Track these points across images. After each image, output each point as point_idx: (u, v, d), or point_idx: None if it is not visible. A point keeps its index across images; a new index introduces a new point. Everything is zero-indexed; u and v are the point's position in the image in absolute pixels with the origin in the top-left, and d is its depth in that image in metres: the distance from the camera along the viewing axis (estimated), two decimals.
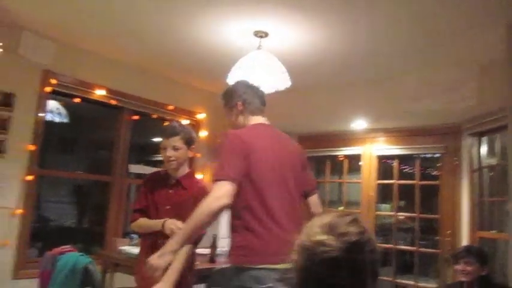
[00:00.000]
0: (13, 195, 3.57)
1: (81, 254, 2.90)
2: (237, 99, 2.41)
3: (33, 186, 3.73)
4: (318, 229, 0.99)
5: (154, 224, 2.41)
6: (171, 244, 1.91)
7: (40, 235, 4.73)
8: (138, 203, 2.54)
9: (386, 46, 3.48)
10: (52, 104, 4.33)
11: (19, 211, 3.60)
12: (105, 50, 4.12)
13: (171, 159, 2.43)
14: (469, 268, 2.74)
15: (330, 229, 0.98)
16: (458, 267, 2.77)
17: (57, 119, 4.68)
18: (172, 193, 2.50)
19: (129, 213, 2.51)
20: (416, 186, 4.53)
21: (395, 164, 4.75)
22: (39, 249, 4.33)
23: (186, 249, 2.16)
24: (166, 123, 4.20)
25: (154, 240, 2.38)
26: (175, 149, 2.44)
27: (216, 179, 1.91)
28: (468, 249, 2.89)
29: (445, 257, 4.08)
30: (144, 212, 2.51)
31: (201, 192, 2.27)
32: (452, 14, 2.86)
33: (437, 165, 4.56)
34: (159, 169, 2.82)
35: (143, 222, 2.48)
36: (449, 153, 4.35)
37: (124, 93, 4.37)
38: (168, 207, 2.46)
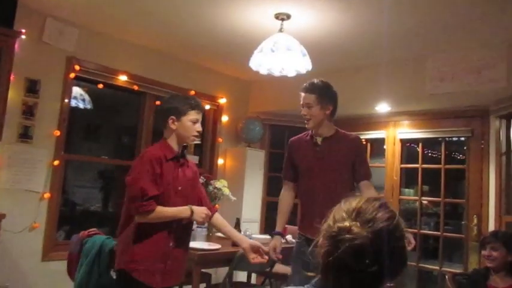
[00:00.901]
0: (41, 179, 3.66)
1: (107, 237, 2.96)
2: (332, 103, 2.70)
3: (59, 171, 3.82)
4: (344, 214, 0.97)
5: (179, 211, 2.24)
6: None
7: (67, 218, 4.84)
8: (153, 188, 2.17)
9: (411, 27, 3.39)
10: (76, 90, 4.38)
11: (47, 195, 3.69)
12: (127, 36, 4.14)
13: None
14: (495, 253, 2.67)
15: (357, 215, 0.96)
16: (485, 252, 2.72)
17: (81, 105, 4.74)
18: (180, 172, 2.35)
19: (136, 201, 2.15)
20: (442, 170, 4.45)
21: (419, 147, 4.66)
22: (66, 232, 4.44)
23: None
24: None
25: (169, 226, 2.25)
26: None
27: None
28: (495, 234, 2.82)
29: (474, 243, 4.02)
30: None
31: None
32: None
33: (464, 148, 4.46)
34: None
35: (165, 211, 2.20)
36: (476, 136, 4.24)
37: (146, 78, 4.40)
38: (179, 188, 2.32)
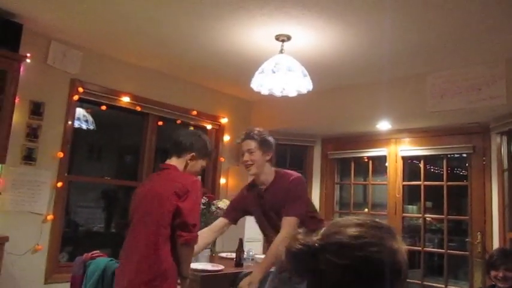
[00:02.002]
0: (44, 201, 3.67)
1: (110, 259, 2.95)
2: (272, 149, 2.85)
3: (63, 193, 3.83)
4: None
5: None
6: (259, 273, 2.50)
7: (70, 240, 4.84)
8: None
9: (410, 45, 3.44)
10: (79, 111, 4.43)
11: (50, 217, 3.70)
12: (130, 58, 4.20)
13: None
14: (510, 274, 2.63)
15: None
16: (498, 273, 2.66)
17: (84, 126, 4.78)
18: None
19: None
20: (444, 187, 4.45)
21: (421, 164, 4.67)
22: (69, 254, 4.43)
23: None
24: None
25: None
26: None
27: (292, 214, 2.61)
28: (506, 254, 2.76)
29: (478, 260, 3.98)
30: None
31: None
32: (480, 11, 2.81)
33: (466, 165, 4.47)
34: None
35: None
36: (478, 153, 4.26)
37: (148, 99, 4.44)
38: None
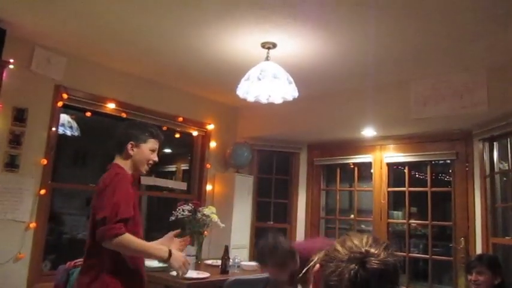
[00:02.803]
0: (27, 209, 3.62)
1: None
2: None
3: (46, 200, 3.77)
4: (358, 243, 1.02)
5: (154, 249, 2.14)
6: None
7: (53, 247, 4.77)
8: (126, 210, 2.04)
9: (394, 53, 3.49)
10: (63, 118, 4.38)
11: (32, 224, 3.64)
12: (115, 64, 4.18)
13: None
14: (481, 278, 2.68)
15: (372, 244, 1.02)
16: (471, 277, 2.73)
17: (68, 133, 4.73)
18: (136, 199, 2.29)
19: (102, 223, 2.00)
20: (429, 192, 4.50)
21: (406, 170, 4.72)
22: (52, 262, 4.35)
23: None
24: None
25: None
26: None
27: None
28: (479, 258, 2.83)
29: (462, 265, 4.04)
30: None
31: None
32: (461, 19, 2.86)
33: (449, 170, 4.53)
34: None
35: (137, 242, 2.04)
36: (461, 159, 4.32)
37: (134, 105, 4.42)
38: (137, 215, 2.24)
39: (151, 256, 2.17)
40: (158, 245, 2.22)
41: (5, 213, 3.49)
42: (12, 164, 3.54)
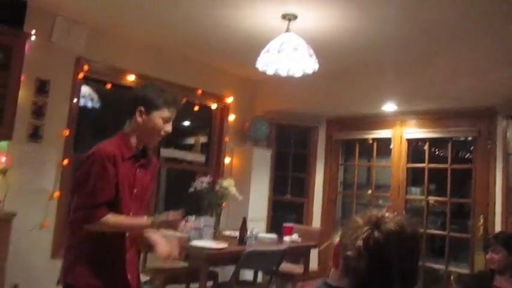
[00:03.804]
0: (50, 178, 3.71)
1: None
2: None
3: (68, 170, 3.86)
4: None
5: (136, 221, 1.90)
6: None
7: None
8: (103, 193, 1.79)
9: (419, 26, 3.39)
10: (84, 90, 4.43)
11: (56, 194, 3.74)
12: (135, 36, 4.18)
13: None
14: (495, 256, 2.66)
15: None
16: (487, 255, 2.72)
17: (89, 105, 4.78)
18: (138, 173, 1.95)
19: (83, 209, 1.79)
20: (448, 170, 4.45)
21: (426, 147, 4.67)
22: None
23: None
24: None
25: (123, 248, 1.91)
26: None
27: None
28: (495, 237, 2.80)
29: (480, 243, 4.02)
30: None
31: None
32: None
33: (470, 148, 4.46)
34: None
35: (120, 219, 1.83)
36: (483, 136, 4.24)
37: (153, 77, 4.42)
38: (135, 190, 1.93)
39: (134, 227, 1.92)
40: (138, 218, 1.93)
41: (30, 183, 3.59)
42: (35, 135, 3.62)
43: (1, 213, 3.18)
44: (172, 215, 1.92)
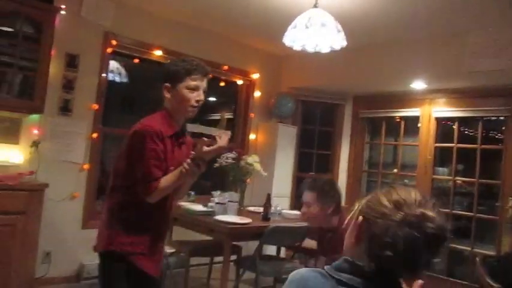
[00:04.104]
0: (80, 151, 3.82)
1: None
2: (332, 201, 2.46)
3: (98, 143, 3.96)
4: (413, 200, 1.00)
5: (178, 174, 1.87)
6: None
7: (105, 188, 5.03)
8: (157, 170, 1.86)
9: (449, 2, 3.27)
10: (112, 64, 4.48)
11: (86, 166, 3.85)
12: (163, 11, 4.18)
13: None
14: None
15: (425, 204, 0.99)
16: None
17: (117, 79, 4.85)
18: (176, 151, 1.98)
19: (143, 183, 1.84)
20: (478, 150, 4.35)
21: (455, 126, 4.55)
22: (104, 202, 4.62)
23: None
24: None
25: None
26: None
27: None
28: None
29: (508, 225, 3.95)
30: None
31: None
32: None
33: (502, 128, 4.33)
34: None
35: (166, 180, 1.87)
36: None
37: (180, 53, 4.41)
38: (171, 168, 1.93)
39: (180, 179, 1.88)
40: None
41: (61, 155, 3.70)
42: (66, 108, 3.71)
43: (34, 184, 3.30)
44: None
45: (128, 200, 1.88)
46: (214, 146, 1.88)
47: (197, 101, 1.92)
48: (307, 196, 2.44)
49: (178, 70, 1.91)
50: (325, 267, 1.05)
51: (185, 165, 1.84)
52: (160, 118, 1.93)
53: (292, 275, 1.06)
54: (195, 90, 1.91)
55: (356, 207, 1.09)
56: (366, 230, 1.01)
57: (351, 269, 1.00)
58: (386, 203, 0.99)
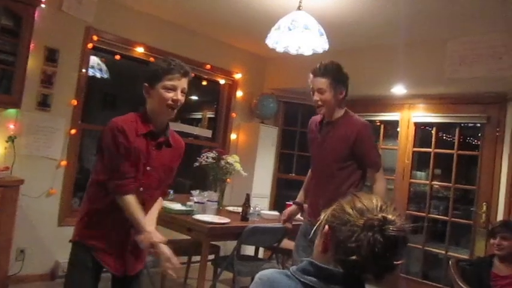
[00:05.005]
0: (58, 147, 3.76)
1: None
2: (344, 87, 2.56)
3: (76, 140, 3.90)
4: (374, 206, 1.04)
5: (141, 221, 1.85)
6: None
7: (82, 186, 4.96)
8: (129, 167, 1.86)
9: (432, 8, 3.33)
10: (93, 60, 4.42)
11: (63, 162, 3.79)
12: (146, 8, 4.14)
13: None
14: (504, 243, 2.72)
15: (384, 210, 1.03)
16: (495, 241, 2.75)
17: (98, 75, 4.79)
18: (154, 152, 1.95)
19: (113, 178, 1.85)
20: (455, 155, 4.43)
21: (433, 131, 4.64)
22: (81, 199, 4.54)
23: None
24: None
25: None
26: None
27: (380, 168, 2.54)
28: (506, 224, 2.86)
29: (481, 229, 4.04)
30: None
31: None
32: None
33: (478, 134, 4.43)
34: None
35: (130, 209, 1.84)
36: (492, 123, 4.20)
37: (162, 50, 4.40)
38: (148, 168, 1.93)
39: (134, 222, 1.86)
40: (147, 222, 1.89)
41: (38, 151, 3.63)
42: (44, 103, 3.65)
43: (9, 180, 3.23)
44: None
45: (97, 195, 1.92)
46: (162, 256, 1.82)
47: (174, 101, 1.89)
48: (319, 82, 2.49)
49: (157, 70, 1.90)
50: (291, 268, 1.07)
51: (141, 237, 1.83)
52: (134, 117, 1.92)
53: (258, 277, 1.08)
54: (172, 90, 1.89)
55: (322, 217, 1.11)
56: (331, 238, 1.04)
57: (315, 272, 1.02)
58: (349, 210, 1.03)
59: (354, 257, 0.97)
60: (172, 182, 2.18)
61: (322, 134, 2.62)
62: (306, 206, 2.81)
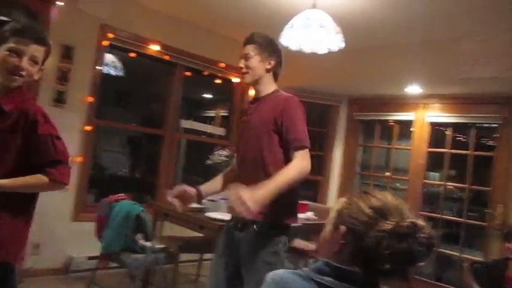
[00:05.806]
0: (73, 143, 3.78)
1: (134, 202, 3.07)
2: (275, 58, 2.25)
3: (91, 136, 3.94)
4: (395, 210, 1.01)
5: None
6: (267, 194, 1.78)
7: (96, 182, 5.01)
8: None
9: (447, 7, 3.29)
10: (108, 58, 4.46)
11: (78, 159, 3.83)
12: (161, 6, 4.16)
13: None
14: None
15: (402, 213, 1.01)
16: (509, 245, 2.70)
17: (112, 72, 4.82)
18: None
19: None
20: (470, 156, 4.38)
21: (448, 132, 4.58)
22: (95, 195, 4.61)
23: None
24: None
25: None
26: None
27: (305, 146, 2.01)
28: None
29: (496, 231, 3.98)
30: None
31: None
32: None
33: (494, 135, 4.37)
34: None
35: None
36: (508, 123, 4.14)
37: (177, 49, 4.43)
38: None
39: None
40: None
41: None
42: (59, 100, 3.69)
43: None
44: None
45: None
46: None
47: (15, 67, 1.60)
48: (245, 49, 2.23)
49: (4, 30, 1.63)
50: (304, 269, 1.05)
51: None
52: None
53: (271, 277, 1.05)
54: (17, 55, 1.61)
55: (332, 215, 1.09)
56: (351, 241, 1.01)
57: (332, 272, 1.01)
58: (367, 210, 1.00)
59: (387, 266, 0.95)
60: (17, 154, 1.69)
61: (249, 112, 2.27)
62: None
